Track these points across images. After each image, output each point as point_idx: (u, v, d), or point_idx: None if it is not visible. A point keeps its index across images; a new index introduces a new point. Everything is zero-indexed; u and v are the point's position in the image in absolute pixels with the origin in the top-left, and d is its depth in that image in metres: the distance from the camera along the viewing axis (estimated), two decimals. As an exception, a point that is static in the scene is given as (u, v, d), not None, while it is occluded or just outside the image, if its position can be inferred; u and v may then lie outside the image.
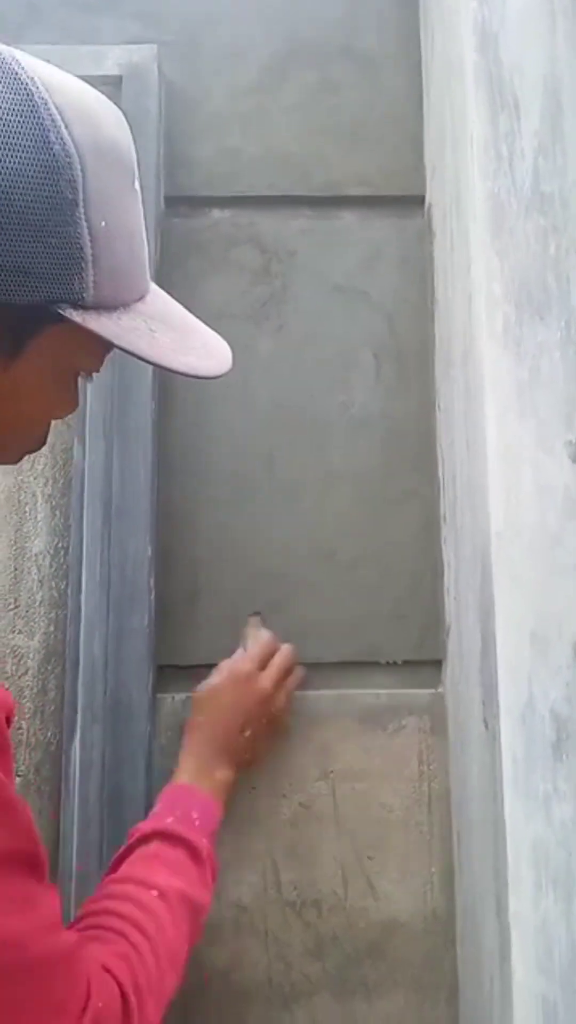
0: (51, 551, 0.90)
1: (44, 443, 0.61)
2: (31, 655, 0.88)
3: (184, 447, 0.92)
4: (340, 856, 0.86)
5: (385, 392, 0.94)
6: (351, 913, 0.86)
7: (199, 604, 0.90)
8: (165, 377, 0.92)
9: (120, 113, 0.55)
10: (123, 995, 0.58)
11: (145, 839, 0.71)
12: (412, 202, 0.96)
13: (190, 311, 0.93)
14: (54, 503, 0.91)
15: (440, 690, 0.89)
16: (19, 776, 0.86)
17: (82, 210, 0.49)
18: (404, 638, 0.90)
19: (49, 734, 0.87)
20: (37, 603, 0.89)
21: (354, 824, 0.87)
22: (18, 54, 0.49)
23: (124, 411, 0.88)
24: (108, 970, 0.58)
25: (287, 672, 0.85)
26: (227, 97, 0.98)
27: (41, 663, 0.88)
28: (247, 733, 0.80)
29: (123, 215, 0.53)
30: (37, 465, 0.91)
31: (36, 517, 0.90)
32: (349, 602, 0.90)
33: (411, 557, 0.91)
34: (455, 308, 0.82)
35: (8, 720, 0.70)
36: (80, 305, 0.50)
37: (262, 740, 0.82)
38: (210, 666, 0.89)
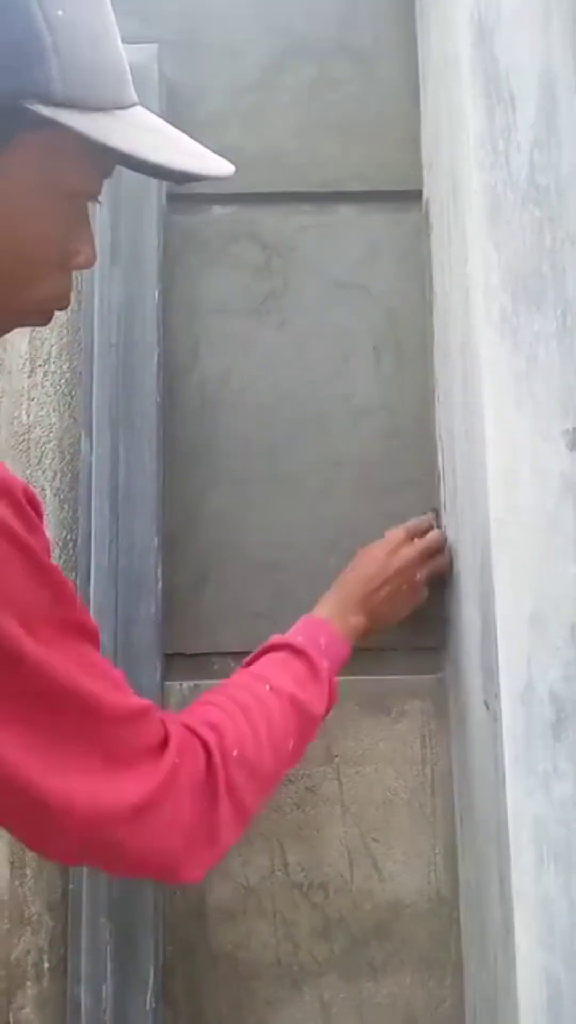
0: (60, 543, 0.92)
1: (67, 298, 0.59)
2: (41, 645, 0.89)
3: (189, 439, 0.94)
4: (346, 838, 0.88)
5: (385, 384, 0.95)
6: (357, 894, 0.87)
7: (205, 593, 0.92)
8: (169, 370, 0.94)
9: None
10: (207, 750, 0.60)
11: (273, 648, 0.75)
12: (409, 197, 0.98)
13: (192, 307, 0.96)
14: (62, 496, 0.93)
15: (441, 675, 0.91)
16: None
17: None
18: (406, 625, 0.91)
19: (60, 722, 0.88)
20: (46, 594, 0.90)
21: (359, 807, 0.88)
22: None
23: (129, 403, 0.89)
24: (192, 729, 0.60)
25: (433, 551, 0.86)
26: (226, 95, 0.99)
27: (51, 653, 0.89)
28: (386, 589, 0.82)
29: (84, 10, 0.52)
30: (45, 460, 0.93)
31: (44, 511, 0.92)
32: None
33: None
34: (453, 300, 0.83)
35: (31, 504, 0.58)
36: (50, 100, 0.49)
37: (398, 601, 0.84)
38: (217, 655, 0.91)
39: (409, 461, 0.94)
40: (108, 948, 0.82)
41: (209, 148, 0.98)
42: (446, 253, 0.87)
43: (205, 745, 0.60)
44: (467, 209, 0.76)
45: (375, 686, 0.90)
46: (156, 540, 0.88)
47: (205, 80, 0.99)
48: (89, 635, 0.56)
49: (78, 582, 0.89)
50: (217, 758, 0.60)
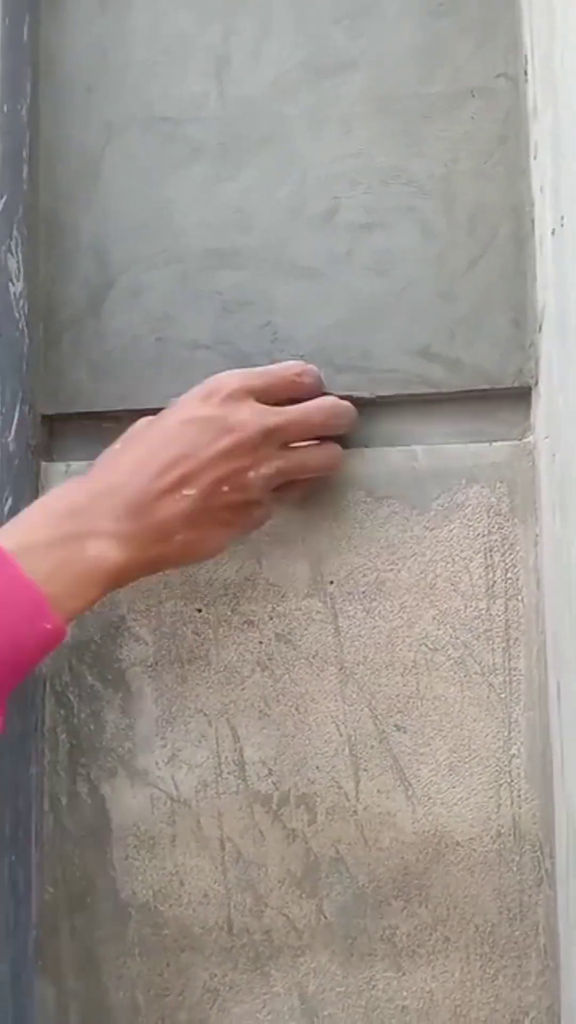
0: None
1: None
2: None
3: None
4: (345, 724, 0.50)
5: None
6: (365, 820, 0.49)
7: (107, 307, 0.53)
8: None
9: None
10: None
11: None
12: None
13: None
14: None
15: (528, 439, 0.49)
16: None
17: None
18: (461, 344, 0.50)
19: None
20: None
21: (369, 671, 0.50)
22: None
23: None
24: None
25: (309, 431, 0.47)
26: None
27: None
28: (187, 492, 0.43)
29: None
30: None
31: None
32: (360, 287, 0.51)
33: (478, 193, 0.50)
34: None
35: None
36: None
37: (210, 521, 0.44)
38: (130, 412, 0.53)
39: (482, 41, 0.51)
40: None
41: None
42: None
43: None
44: None
45: (400, 461, 0.50)
46: None
47: None
48: None
49: None
50: None
